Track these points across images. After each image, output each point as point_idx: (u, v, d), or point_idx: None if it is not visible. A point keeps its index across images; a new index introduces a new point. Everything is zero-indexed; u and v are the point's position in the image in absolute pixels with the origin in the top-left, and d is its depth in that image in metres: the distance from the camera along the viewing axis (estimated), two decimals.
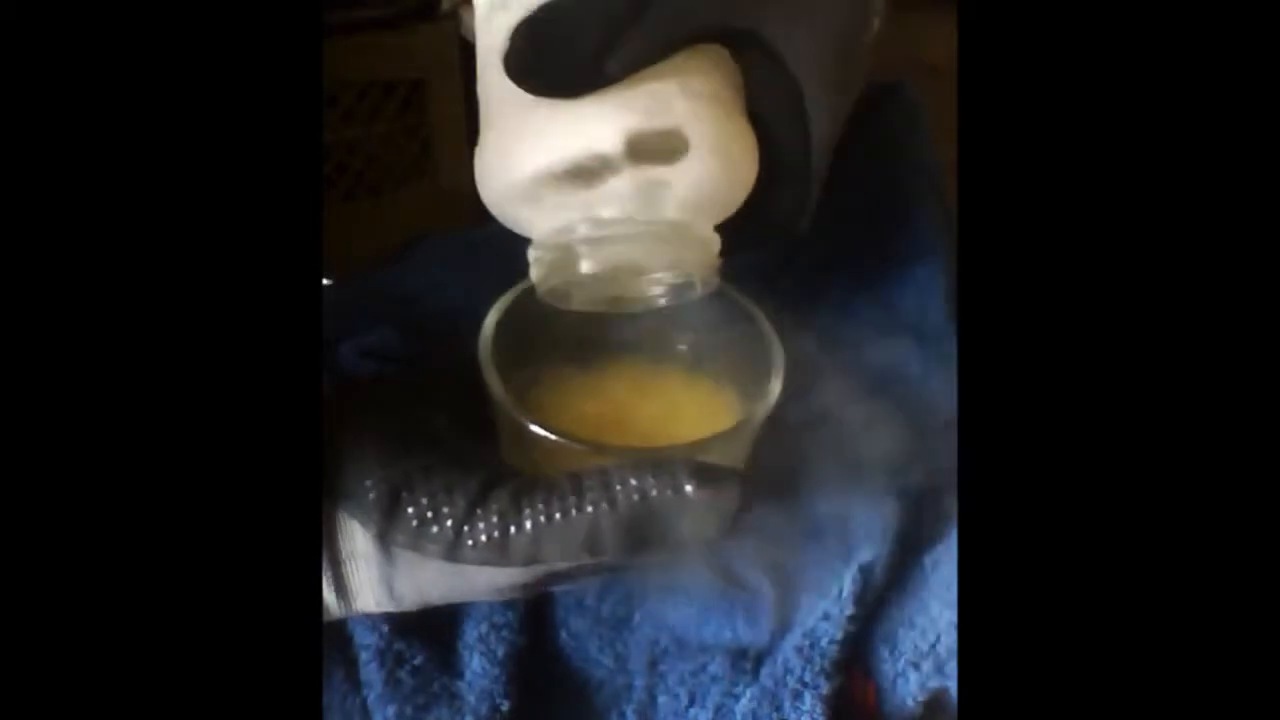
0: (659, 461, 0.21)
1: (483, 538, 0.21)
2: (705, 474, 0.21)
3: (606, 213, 0.24)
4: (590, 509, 0.20)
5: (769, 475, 0.34)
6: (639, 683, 0.30)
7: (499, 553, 0.21)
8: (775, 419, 0.36)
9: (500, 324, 0.27)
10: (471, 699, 0.28)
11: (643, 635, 0.31)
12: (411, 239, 0.46)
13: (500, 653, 0.29)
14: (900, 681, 0.30)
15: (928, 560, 0.31)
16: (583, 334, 0.31)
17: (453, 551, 0.21)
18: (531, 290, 0.28)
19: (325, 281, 0.42)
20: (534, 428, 0.24)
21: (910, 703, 0.29)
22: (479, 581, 0.22)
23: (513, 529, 0.21)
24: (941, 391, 0.35)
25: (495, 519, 0.21)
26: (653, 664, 0.30)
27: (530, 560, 0.21)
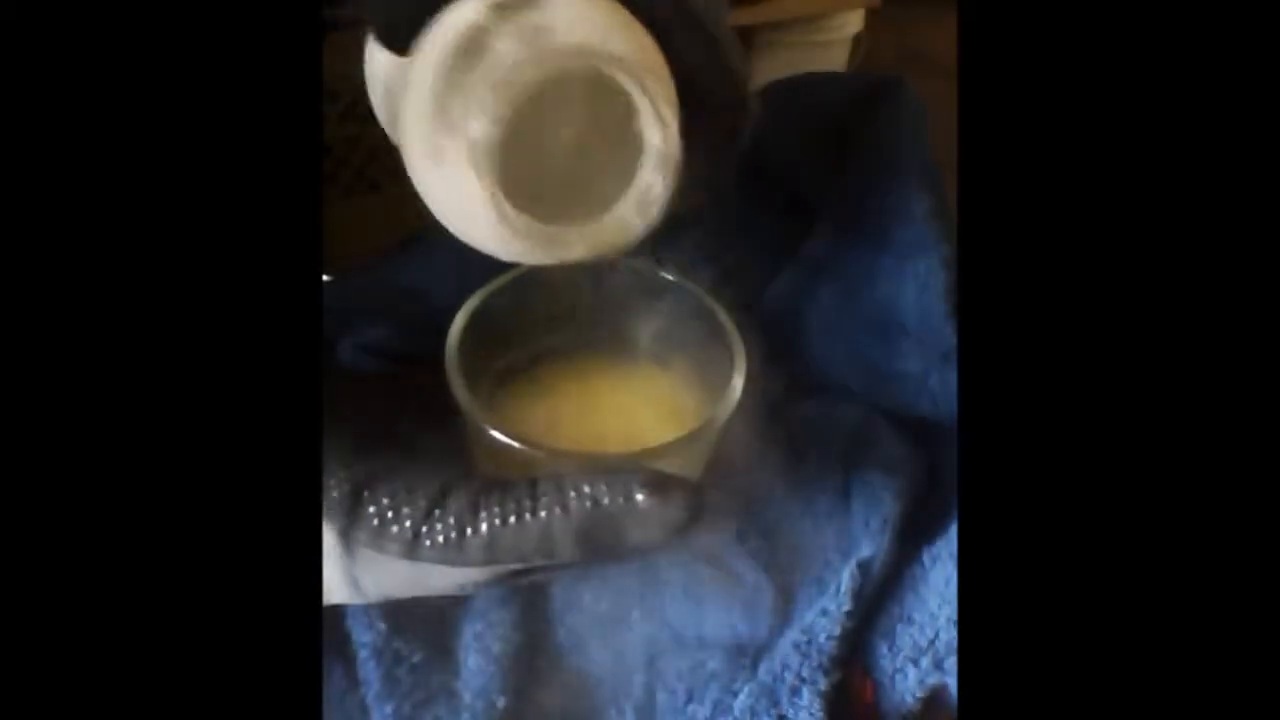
0: (613, 469, 0.22)
1: (440, 539, 0.21)
2: (656, 484, 0.21)
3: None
4: (544, 514, 0.21)
5: (768, 472, 0.34)
6: (637, 679, 0.30)
7: (456, 553, 0.21)
8: (775, 416, 0.36)
9: (469, 326, 0.28)
10: (468, 696, 0.28)
11: (641, 632, 0.31)
12: (412, 234, 0.46)
13: (497, 650, 0.29)
14: (899, 678, 0.30)
15: (926, 556, 0.31)
16: (550, 334, 0.32)
17: (411, 551, 0.21)
18: (501, 290, 0.28)
19: (325, 277, 0.42)
20: (494, 433, 0.24)
21: (909, 699, 0.29)
22: (439, 578, 0.23)
23: (469, 531, 0.21)
24: (941, 387, 0.35)
25: (452, 521, 0.21)
26: (651, 661, 0.30)
27: (486, 561, 0.21)
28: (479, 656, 0.29)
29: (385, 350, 0.35)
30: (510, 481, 0.22)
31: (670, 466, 0.24)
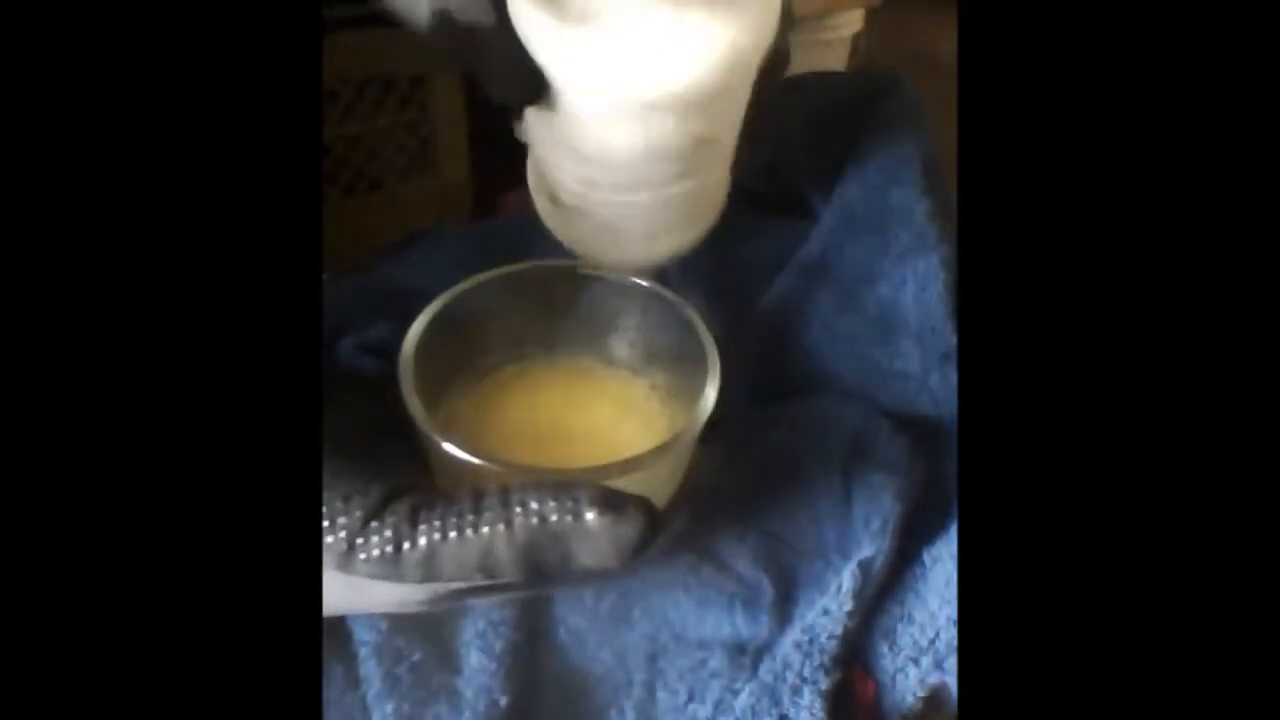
0: (563, 484, 0.20)
1: (375, 552, 0.20)
2: (609, 501, 0.20)
3: None
4: (486, 529, 0.20)
5: (768, 472, 0.34)
6: (638, 678, 0.30)
7: (392, 568, 0.20)
8: (774, 417, 0.36)
9: (429, 330, 0.26)
10: (470, 694, 0.28)
11: (642, 631, 0.31)
12: (413, 233, 0.46)
13: (498, 649, 0.29)
14: (899, 677, 0.30)
15: (927, 556, 0.31)
16: (523, 340, 0.31)
17: (345, 563, 0.20)
18: (467, 293, 0.28)
19: (325, 276, 0.42)
20: (445, 445, 0.23)
21: (909, 698, 0.29)
22: (378, 594, 0.22)
23: (406, 545, 0.20)
24: (941, 387, 0.35)
25: (389, 533, 0.20)
26: (652, 660, 0.30)
27: (424, 578, 0.20)
28: (481, 655, 0.29)
29: (384, 350, 0.35)
30: (455, 495, 0.21)
31: (641, 480, 0.23)
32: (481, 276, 0.28)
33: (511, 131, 0.32)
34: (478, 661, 0.29)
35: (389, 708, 0.28)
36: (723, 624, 0.31)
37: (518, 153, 0.34)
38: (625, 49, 0.24)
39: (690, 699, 0.30)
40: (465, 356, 0.29)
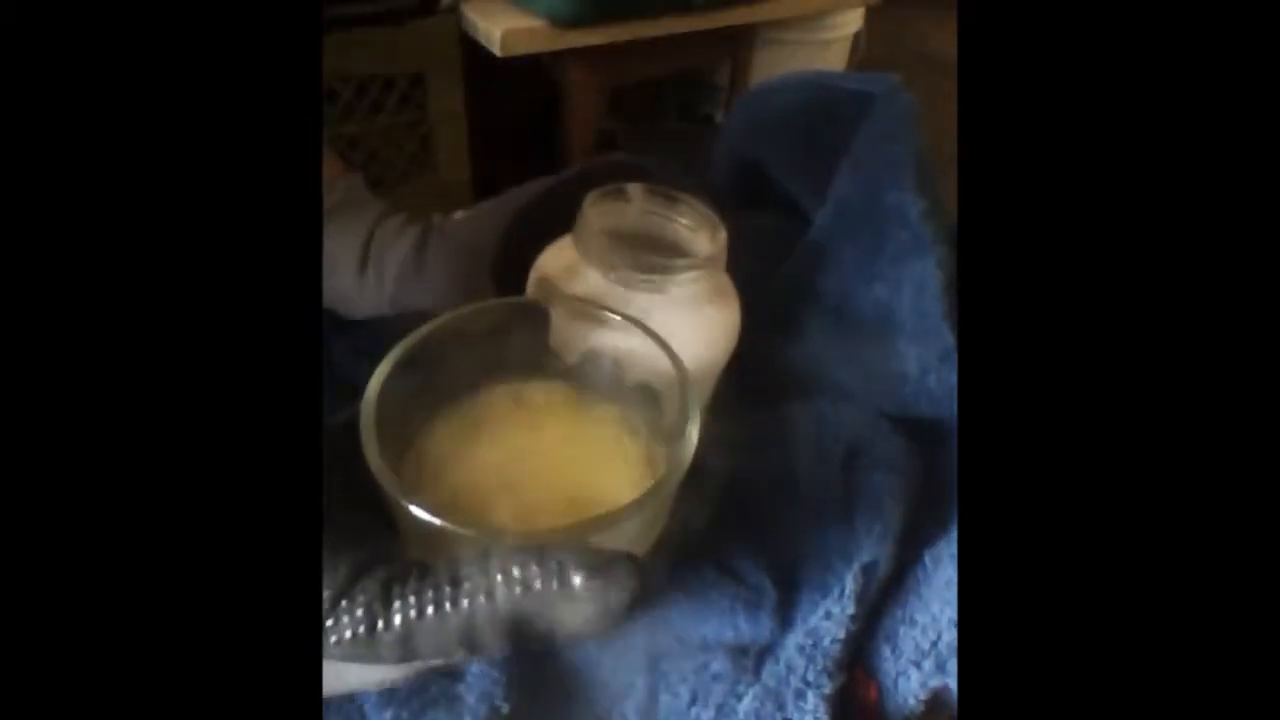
0: (545, 547, 0.19)
1: (348, 634, 0.19)
2: (596, 563, 0.19)
3: None
4: (466, 602, 0.18)
5: (768, 475, 0.34)
6: (641, 682, 0.30)
7: (367, 650, 0.19)
8: (773, 420, 0.36)
9: (391, 381, 0.25)
10: (471, 700, 0.28)
11: (644, 634, 0.31)
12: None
13: (500, 656, 0.29)
14: (902, 680, 0.30)
15: (929, 559, 0.31)
16: (487, 379, 0.29)
17: None
18: (428, 337, 0.26)
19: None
20: (414, 509, 0.21)
21: (912, 701, 0.29)
22: (351, 676, 0.21)
23: (380, 624, 0.19)
24: (938, 388, 0.35)
25: (361, 613, 0.19)
26: (654, 663, 0.30)
27: (402, 657, 0.19)
28: (482, 661, 0.29)
29: (380, 353, 0.35)
30: (430, 565, 0.20)
31: (622, 530, 0.22)
32: (441, 319, 0.27)
33: (511, 132, 0.32)
34: (479, 667, 0.29)
35: (387, 715, 0.28)
36: (725, 627, 0.31)
37: (518, 153, 0.34)
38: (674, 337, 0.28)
39: (693, 702, 0.30)
40: (429, 404, 0.28)
